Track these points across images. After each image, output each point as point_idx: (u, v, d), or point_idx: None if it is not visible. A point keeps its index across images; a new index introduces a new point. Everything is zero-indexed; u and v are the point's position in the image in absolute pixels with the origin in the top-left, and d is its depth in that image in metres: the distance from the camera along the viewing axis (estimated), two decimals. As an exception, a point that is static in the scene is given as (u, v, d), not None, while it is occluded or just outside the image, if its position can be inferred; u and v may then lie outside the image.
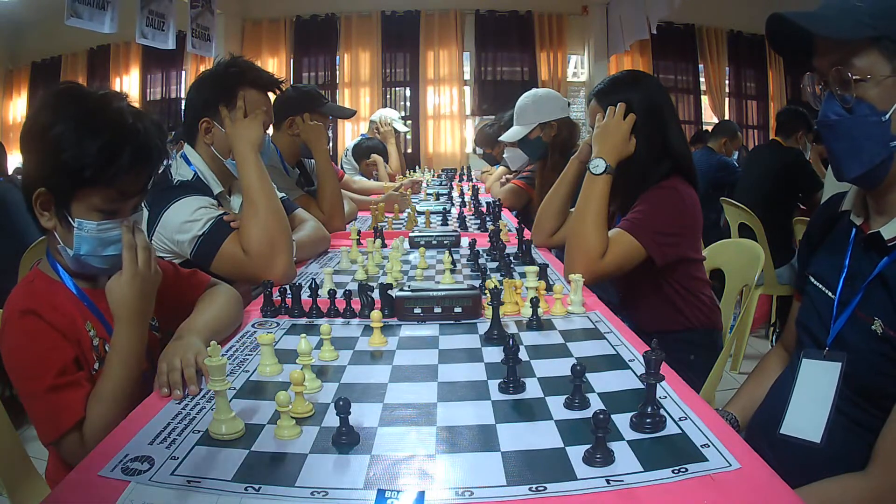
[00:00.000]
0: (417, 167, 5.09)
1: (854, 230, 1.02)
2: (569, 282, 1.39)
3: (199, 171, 1.59)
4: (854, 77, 0.89)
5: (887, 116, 0.89)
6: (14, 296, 1.01)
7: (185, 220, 1.46)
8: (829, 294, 1.02)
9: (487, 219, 2.39)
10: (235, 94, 1.59)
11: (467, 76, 7.29)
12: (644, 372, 0.80)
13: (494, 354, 1.04)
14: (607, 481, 0.68)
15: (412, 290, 1.25)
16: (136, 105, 1.07)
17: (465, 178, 4.44)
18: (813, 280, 1.08)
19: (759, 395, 1.17)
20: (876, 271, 0.93)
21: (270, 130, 1.83)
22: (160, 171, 1.57)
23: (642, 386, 0.82)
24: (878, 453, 0.87)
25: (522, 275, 1.40)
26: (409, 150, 6.96)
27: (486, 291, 1.23)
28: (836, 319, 0.98)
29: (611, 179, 1.52)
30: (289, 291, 1.29)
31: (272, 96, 1.75)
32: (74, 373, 0.96)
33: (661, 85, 1.70)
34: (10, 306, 0.99)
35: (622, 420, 0.80)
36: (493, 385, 0.93)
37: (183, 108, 1.69)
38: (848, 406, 0.95)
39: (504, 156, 3.32)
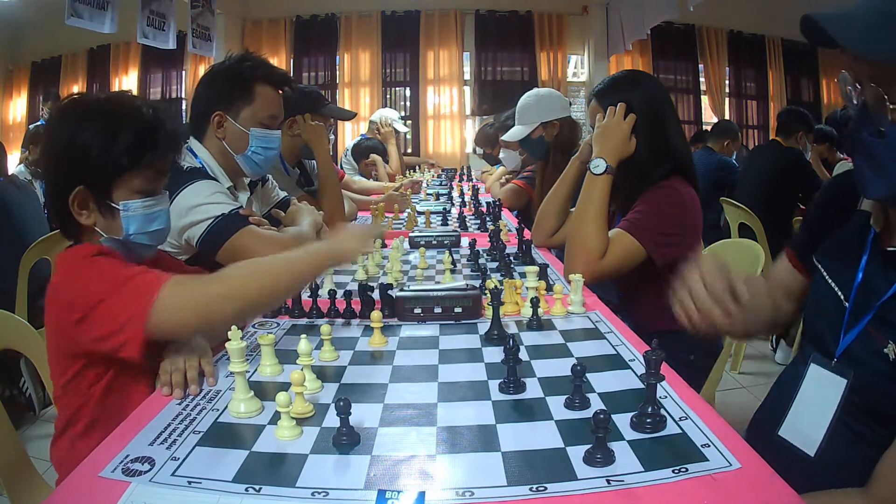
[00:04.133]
0: (418, 167, 5.08)
1: (871, 234, 0.94)
2: (569, 282, 1.39)
3: (205, 164, 1.58)
4: (891, 106, 0.79)
5: None
6: (74, 250, 1.04)
7: (201, 203, 1.43)
8: (841, 296, 0.96)
9: (487, 219, 2.39)
10: (251, 89, 1.58)
11: (467, 76, 7.28)
12: (644, 372, 0.80)
13: (495, 354, 1.04)
14: (608, 481, 0.68)
15: (412, 290, 1.25)
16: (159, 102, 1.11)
17: (465, 178, 4.44)
18: (823, 271, 1.02)
19: None
20: (892, 291, 0.87)
21: None
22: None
23: (642, 386, 0.82)
24: (880, 474, 0.83)
25: (522, 275, 1.40)
26: (409, 151, 6.96)
27: (487, 291, 1.23)
28: (846, 331, 0.93)
29: (611, 179, 1.52)
30: (289, 291, 1.29)
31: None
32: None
33: (662, 85, 1.71)
34: (80, 252, 1.01)
35: (622, 420, 0.80)
36: (494, 385, 0.93)
37: (192, 101, 1.68)
38: (851, 419, 0.92)
39: (500, 156, 3.33)
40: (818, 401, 0.95)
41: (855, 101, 0.86)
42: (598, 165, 1.52)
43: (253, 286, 1.00)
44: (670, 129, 1.58)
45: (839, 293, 0.97)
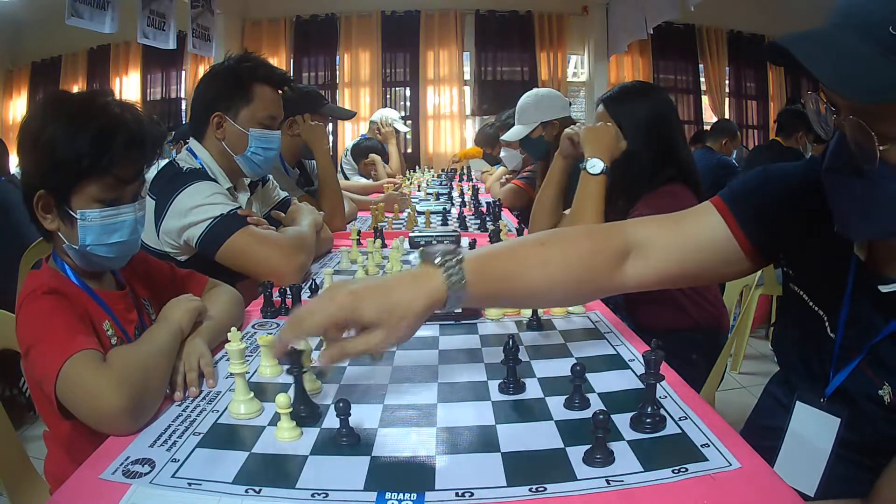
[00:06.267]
0: (418, 167, 5.08)
1: (854, 260, 0.84)
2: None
3: (205, 164, 1.58)
4: (880, 147, 0.66)
5: None
6: (33, 278, 0.99)
7: (200, 204, 1.44)
8: (827, 323, 0.87)
9: (487, 219, 2.39)
10: (250, 89, 1.58)
11: (467, 76, 7.28)
12: (644, 372, 0.80)
13: (494, 355, 1.04)
14: (607, 481, 0.68)
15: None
16: (136, 104, 1.07)
17: (465, 178, 4.44)
18: (802, 294, 0.93)
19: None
20: (887, 331, 0.80)
21: None
22: (168, 162, 1.58)
23: (642, 386, 0.82)
24: (879, 491, 0.79)
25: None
26: (409, 150, 6.96)
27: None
28: (837, 367, 0.86)
29: (606, 179, 1.54)
30: (289, 292, 1.29)
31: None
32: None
33: (670, 99, 1.72)
34: (33, 284, 0.97)
35: (622, 420, 0.80)
36: (493, 385, 0.93)
37: (192, 101, 1.68)
38: (851, 453, 0.87)
39: (502, 155, 3.34)
40: (810, 441, 0.88)
41: (829, 128, 0.73)
42: (595, 165, 1.54)
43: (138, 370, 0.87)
44: (677, 143, 1.60)
45: (824, 318, 0.88)
